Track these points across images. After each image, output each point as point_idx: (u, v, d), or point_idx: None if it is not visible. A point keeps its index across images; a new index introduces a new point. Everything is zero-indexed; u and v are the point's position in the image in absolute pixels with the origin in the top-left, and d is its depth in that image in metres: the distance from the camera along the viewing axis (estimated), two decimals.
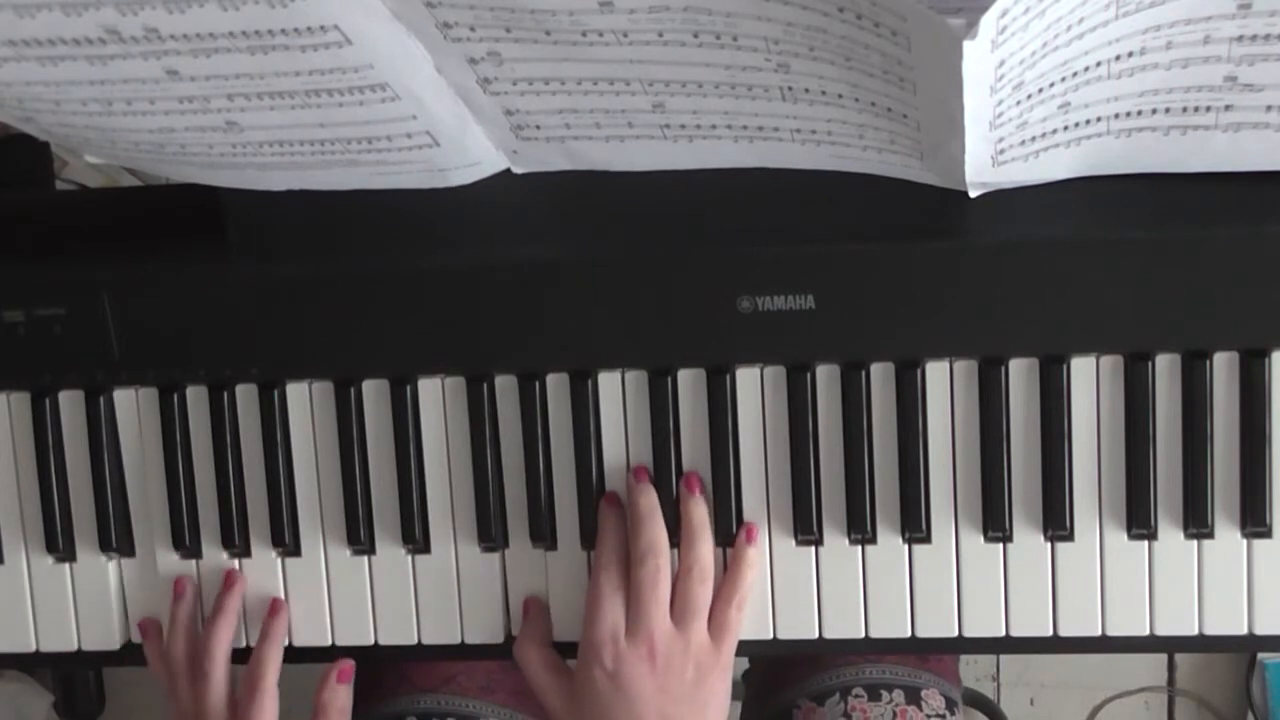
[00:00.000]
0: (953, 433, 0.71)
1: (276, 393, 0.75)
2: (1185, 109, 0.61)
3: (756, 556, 0.72)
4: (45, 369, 0.76)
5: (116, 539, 0.77)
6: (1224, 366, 0.69)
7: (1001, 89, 0.56)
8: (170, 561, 0.77)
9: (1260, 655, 1.41)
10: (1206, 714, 1.48)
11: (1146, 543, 0.71)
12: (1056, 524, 0.70)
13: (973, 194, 0.67)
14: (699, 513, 0.71)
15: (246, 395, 0.75)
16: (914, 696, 0.81)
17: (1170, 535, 0.70)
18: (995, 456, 0.71)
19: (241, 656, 0.76)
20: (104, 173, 1.19)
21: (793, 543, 0.73)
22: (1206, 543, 0.70)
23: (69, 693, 0.83)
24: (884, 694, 0.81)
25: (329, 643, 0.76)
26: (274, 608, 0.76)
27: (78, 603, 0.78)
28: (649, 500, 0.71)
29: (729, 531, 0.72)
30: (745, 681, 0.99)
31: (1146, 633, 0.71)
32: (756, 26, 0.55)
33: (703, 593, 0.70)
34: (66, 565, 0.78)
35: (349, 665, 0.76)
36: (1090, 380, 0.70)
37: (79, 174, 1.18)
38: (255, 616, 0.76)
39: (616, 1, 0.54)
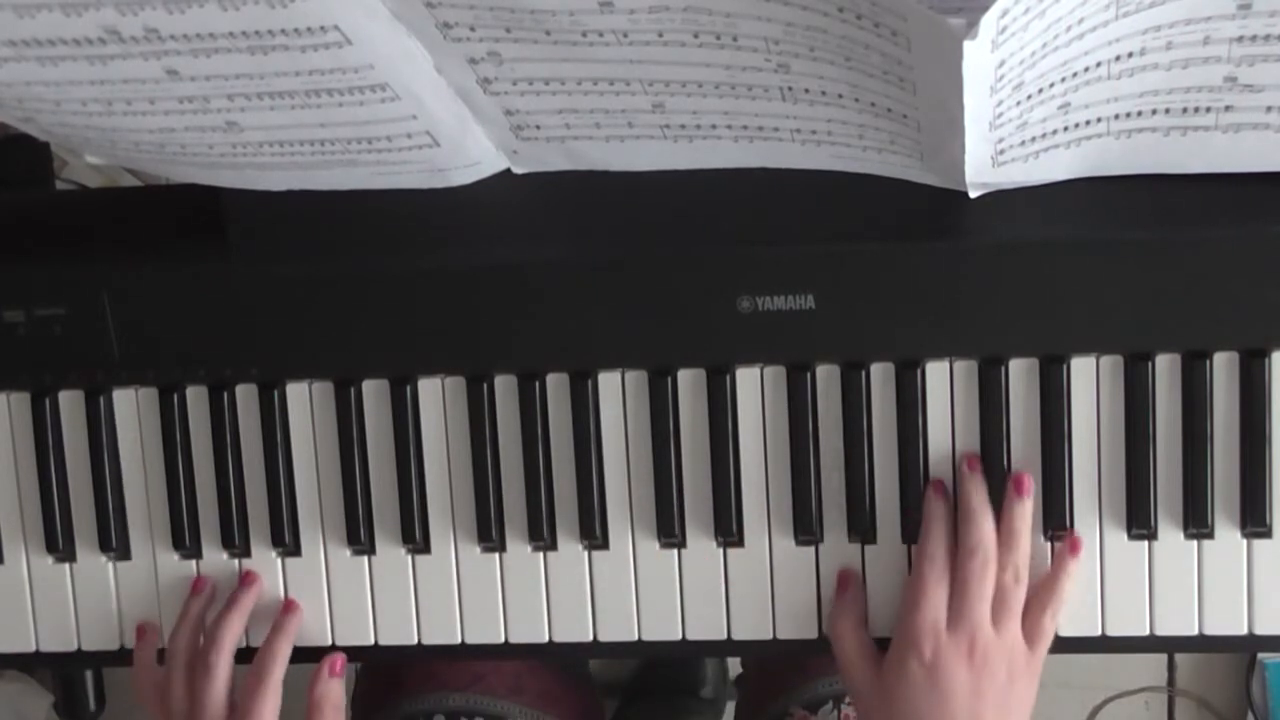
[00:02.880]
0: (953, 433, 0.71)
1: (276, 393, 0.75)
2: (1185, 109, 0.61)
3: (1077, 568, 0.70)
4: (45, 369, 0.76)
5: (116, 539, 0.77)
6: (1224, 366, 0.69)
7: (1001, 89, 0.56)
8: (170, 562, 0.77)
9: (1260, 655, 1.41)
10: (1206, 714, 1.48)
11: (1146, 543, 0.71)
12: (1056, 524, 0.70)
13: (973, 194, 0.67)
14: (1024, 515, 0.70)
15: (246, 395, 0.75)
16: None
17: (1170, 535, 0.70)
18: (995, 456, 0.71)
19: (243, 658, 0.76)
20: (104, 173, 1.19)
21: (792, 543, 0.73)
22: (1206, 543, 0.70)
23: (69, 693, 0.83)
24: None
25: (329, 643, 0.76)
26: (289, 605, 0.76)
27: (78, 603, 0.78)
28: (981, 494, 0.70)
29: (729, 528, 0.72)
30: (737, 687, 0.99)
31: (1146, 633, 0.71)
32: (756, 26, 0.55)
33: (1019, 594, 0.69)
34: (66, 565, 0.78)
35: (341, 658, 0.75)
36: (1090, 380, 0.70)
37: (79, 174, 1.18)
38: (258, 618, 0.76)
39: (616, 1, 0.54)
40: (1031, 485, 0.70)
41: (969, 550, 0.69)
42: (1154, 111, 0.61)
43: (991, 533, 0.69)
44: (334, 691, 0.75)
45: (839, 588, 0.73)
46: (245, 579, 0.76)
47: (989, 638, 0.68)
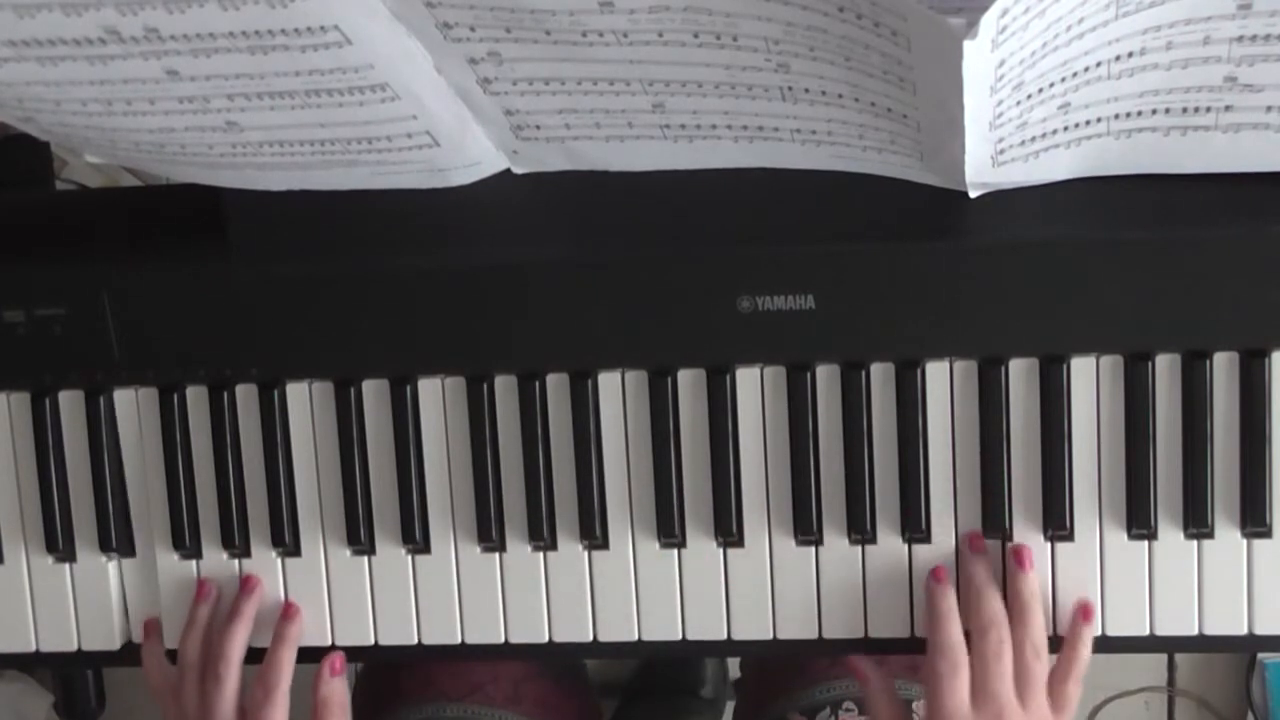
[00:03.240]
0: (953, 433, 0.71)
1: (276, 393, 0.75)
2: (1185, 109, 0.61)
3: (1091, 633, 0.71)
4: (45, 369, 0.76)
5: (116, 539, 0.77)
6: (1224, 366, 0.69)
7: (1001, 89, 0.56)
8: (170, 562, 0.77)
9: (1260, 655, 1.41)
10: (1206, 714, 1.48)
11: (1146, 543, 0.71)
12: (1056, 524, 0.70)
13: (973, 194, 0.67)
14: (1030, 588, 0.70)
15: (246, 395, 0.75)
16: (906, 709, 0.81)
17: (1170, 535, 0.70)
18: (995, 456, 0.71)
19: (253, 657, 0.76)
20: (104, 173, 1.19)
21: (793, 543, 0.73)
22: (1206, 543, 0.70)
23: (69, 693, 0.83)
24: None
25: (329, 643, 0.76)
26: (288, 611, 0.76)
27: (78, 603, 0.78)
28: (985, 571, 0.70)
29: (729, 528, 0.72)
30: (735, 690, 0.99)
31: (1146, 633, 0.71)
32: (756, 26, 0.55)
33: (1040, 668, 0.69)
34: (66, 565, 0.78)
35: (340, 657, 0.76)
36: (1090, 380, 0.70)
37: (79, 174, 1.18)
38: (261, 619, 0.76)
39: (616, 1, 0.54)
40: (1032, 557, 0.70)
41: (981, 630, 0.69)
42: (1154, 111, 0.61)
43: (1002, 609, 0.69)
44: (338, 691, 0.75)
45: (856, 676, 0.74)
46: (245, 585, 0.76)
47: (1015, 713, 0.68)
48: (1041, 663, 0.69)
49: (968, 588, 0.71)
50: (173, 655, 0.76)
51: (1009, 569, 0.71)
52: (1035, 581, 0.70)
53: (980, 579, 0.70)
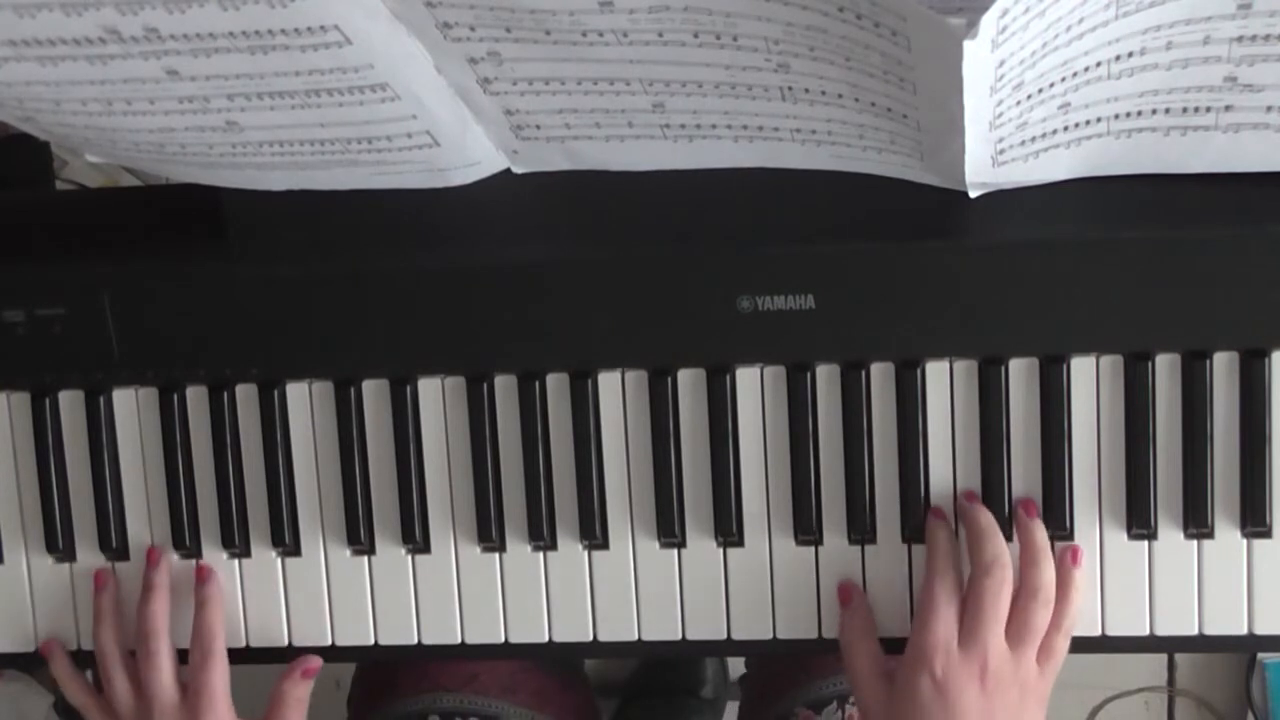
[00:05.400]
0: (953, 433, 0.71)
1: (276, 393, 0.75)
2: (1185, 109, 0.61)
3: (1083, 580, 0.69)
4: (45, 369, 0.75)
5: (116, 539, 0.76)
6: (1224, 366, 0.69)
7: (1001, 89, 0.56)
8: (170, 562, 0.77)
9: (1260, 655, 1.41)
10: (1206, 714, 1.48)
11: (1146, 543, 0.71)
12: (1057, 524, 0.70)
13: (973, 194, 0.67)
14: (1040, 535, 0.69)
15: (246, 395, 0.75)
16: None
17: (1170, 535, 0.70)
18: (995, 456, 0.71)
19: (240, 657, 0.76)
20: (104, 173, 1.19)
21: (793, 543, 0.73)
22: (1206, 543, 0.70)
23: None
24: None
25: (329, 643, 0.76)
26: (201, 574, 0.75)
27: (77, 602, 0.78)
28: (987, 515, 0.69)
29: (729, 528, 0.72)
30: (740, 687, 0.99)
31: (1146, 633, 0.71)
32: (756, 26, 0.55)
33: (1042, 617, 0.68)
34: (66, 565, 0.78)
35: (316, 662, 0.75)
36: (1090, 380, 0.70)
37: (79, 174, 1.18)
38: (257, 618, 0.76)
39: (616, 1, 0.54)
40: (1037, 508, 0.70)
41: (984, 567, 0.68)
42: (1154, 111, 0.61)
43: (1006, 549, 0.68)
44: (300, 690, 0.75)
45: (841, 601, 0.72)
46: (150, 560, 0.75)
47: (1002, 659, 0.67)
48: (1046, 612, 0.68)
49: (970, 531, 0.70)
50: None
51: (1017, 519, 0.70)
52: (1043, 530, 0.69)
53: (983, 522, 0.69)
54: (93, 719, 0.76)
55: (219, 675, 0.73)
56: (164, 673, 0.73)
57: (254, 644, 0.76)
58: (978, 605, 0.67)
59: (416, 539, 0.75)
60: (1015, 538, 0.70)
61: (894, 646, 0.73)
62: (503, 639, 0.75)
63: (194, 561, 0.76)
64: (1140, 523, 0.70)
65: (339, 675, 0.96)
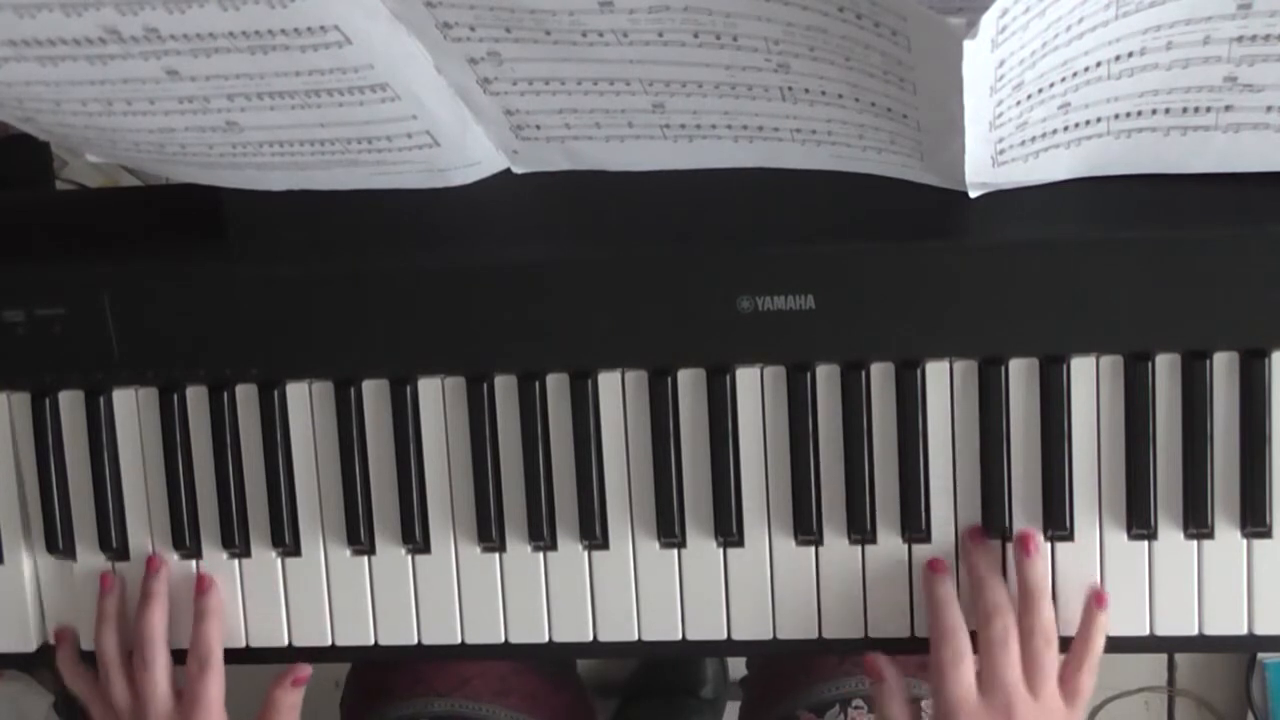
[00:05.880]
0: (953, 433, 0.71)
1: (276, 393, 0.75)
2: (1185, 109, 0.61)
3: (1106, 621, 0.70)
4: (45, 369, 0.75)
5: (116, 539, 0.76)
6: (1224, 366, 0.69)
7: (1001, 89, 0.56)
8: (170, 562, 0.77)
9: (1260, 655, 1.41)
10: (1206, 714, 1.48)
11: (1146, 543, 0.71)
12: (1056, 524, 0.70)
13: (973, 194, 0.67)
14: (1038, 574, 0.69)
15: (246, 395, 0.75)
16: (914, 706, 0.81)
17: (1170, 535, 0.70)
18: (995, 456, 0.71)
19: (240, 657, 0.76)
20: (104, 173, 1.19)
21: (793, 543, 0.73)
22: (1206, 543, 0.70)
23: (69, 693, 0.84)
24: None
25: (329, 643, 0.76)
26: (202, 585, 0.75)
27: (77, 603, 0.78)
28: (988, 560, 0.70)
29: (729, 528, 0.72)
30: (741, 688, 0.99)
31: (1146, 633, 0.71)
32: (756, 27, 0.55)
33: (1050, 656, 0.68)
34: (67, 565, 0.78)
35: (306, 671, 0.76)
36: (1090, 380, 0.70)
37: (79, 174, 1.18)
38: (257, 619, 0.76)
39: (616, 1, 0.54)
40: (1039, 543, 0.70)
41: (986, 617, 0.69)
42: (1154, 111, 0.61)
43: (1005, 596, 0.69)
44: (291, 697, 0.76)
45: (870, 674, 0.73)
46: (149, 567, 0.76)
47: (1025, 703, 0.67)
48: (1052, 651, 0.68)
49: (970, 578, 0.70)
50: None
51: (1015, 556, 0.70)
52: (1042, 568, 0.70)
53: (982, 568, 0.70)
54: (93, 708, 0.76)
55: (214, 686, 0.73)
56: (159, 681, 0.73)
57: (254, 644, 0.76)
58: (987, 655, 0.68)
59: (416, 539, 0.75)
60: (1012, 576, 0.70)
61: (895, 647, 0.73)
62: (503, 639, 0.75)
63: (194, 562, 0.76)
64: (1140, 523, 0.70)
65: (338, 675, 0.96)
